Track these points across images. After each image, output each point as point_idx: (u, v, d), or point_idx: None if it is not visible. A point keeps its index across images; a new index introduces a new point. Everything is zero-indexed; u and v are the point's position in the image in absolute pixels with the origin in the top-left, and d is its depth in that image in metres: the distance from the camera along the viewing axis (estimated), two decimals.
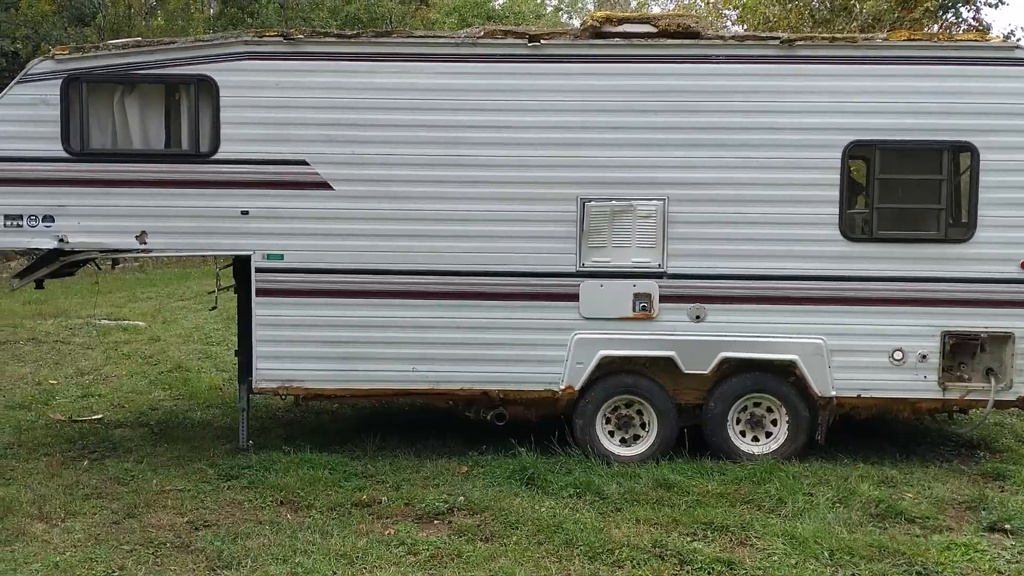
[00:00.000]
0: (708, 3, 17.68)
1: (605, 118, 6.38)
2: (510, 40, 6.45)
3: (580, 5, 55.19)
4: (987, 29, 16.43)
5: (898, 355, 6.36)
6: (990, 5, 16.31)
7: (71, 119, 6.29)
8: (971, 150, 6.33)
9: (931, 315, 6.36)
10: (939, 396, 6.39)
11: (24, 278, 6.67)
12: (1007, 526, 5.17)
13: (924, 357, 6.35)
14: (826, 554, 4.73)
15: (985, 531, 5.16)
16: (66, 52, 6.39)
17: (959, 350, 6.38)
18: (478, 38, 6.45)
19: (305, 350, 6.40)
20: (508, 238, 6.40)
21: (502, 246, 6.41)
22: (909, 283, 6.39)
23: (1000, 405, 6.46)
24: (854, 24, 14.62)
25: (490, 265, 6.41)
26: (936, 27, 16.02)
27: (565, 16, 47.50)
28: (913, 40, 6.49)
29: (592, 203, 6.36)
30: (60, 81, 6.27)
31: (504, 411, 6.52)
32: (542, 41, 6.42)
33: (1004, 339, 6.33)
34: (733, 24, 17.38)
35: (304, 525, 5.15)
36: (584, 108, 6.39)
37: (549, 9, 51.47)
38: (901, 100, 6.36)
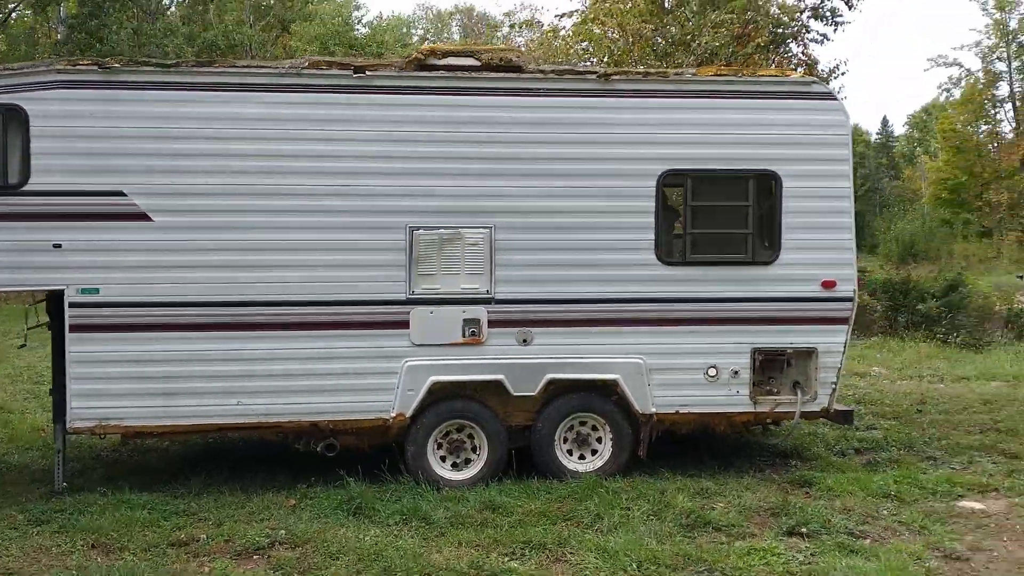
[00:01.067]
0: (562, 38, 18.25)
1: (432, 148, 6.49)
2: (335, 71, 6.50)
3: (446, 35, 55.83)
4: (815, 64, 17.60)
5: (712, 372, 6.70)
6: (816, 41, 17.52)
7: None
8: (774, 178, 6.76)
9: (742, 333, 6.73)
10: (751, 409, 6.76)
11: None
12: (804, 529, 5.51)
13: (736, 373, 6.72)
14: (634, 565, 4.92)
15: (784, 535, 5.48)
16: None
17: (768, 365, 6.79)
18: (302, 68, 6.47)
19: (123, 387, 6.18)
20: (336, 267, 6.40)
21: (330, 275, 6.40)
22: (721, 303, 6.74)
23: (807, 416, 6.90)
24: (691, 58, 15.39)
25: (318, 294, 6.39)
26: (772, 63, 17.00)
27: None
28: (720, 75, 6.91)
29: (421, 231, 6.45)
30: None
31: (335, 442, 6.49)
32: (367, 72, 6.50)
33: (808, 354, 6.77)
34: (587, 57, 17.95)
35: (114, 568, 4.96)
36: (411, 139, 6.48)
37: (415, 39, 51.92)
38: (710, 132, 6.74)
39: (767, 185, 6.81)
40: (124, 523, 5.58)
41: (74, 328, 6.11)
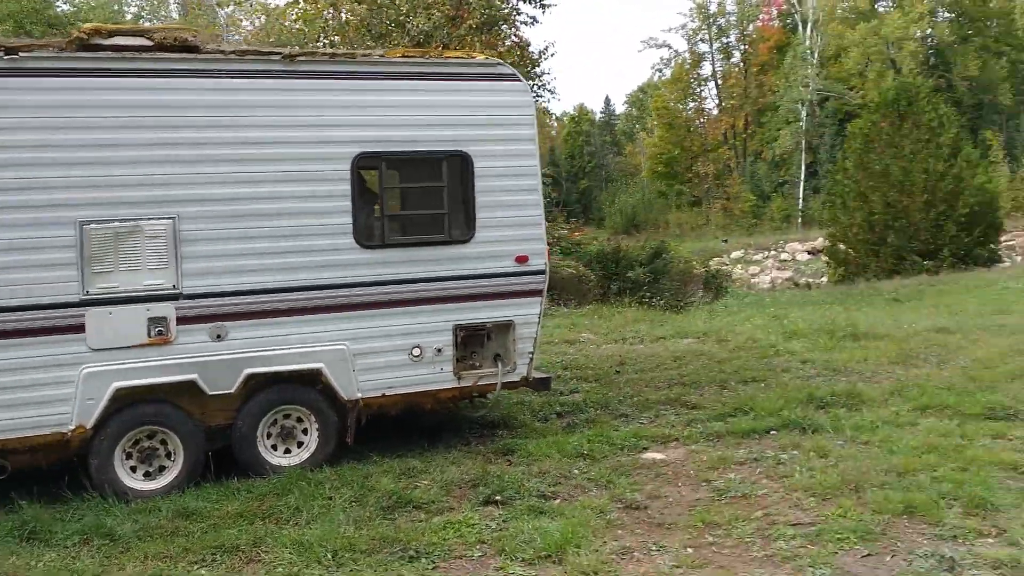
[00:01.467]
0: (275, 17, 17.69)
1: (99, 135, 5.97)
2: None
3: (164, 14, 52.26)
4: (526, 44, 18.32)
5: (416, 351, 6.77)
6: (526, 24, 18.25)
7: None
8: (466, 158, 6.89)
9: (443, 311, 6.85)
10: (456, 385, 6.92)
11: None
12: (498, 497, 5.72)
13: (439, 351, 6.83)
14: (329, 555, 4.87)
15: (481, 505, 5.66)
16: None
17: (470, 341, 6.97)
18: None
19: None
20: None
21: None
22: (422, 284, 6.79)
23: (508, 386, 7.18)
24: (406, 39, 15.46)
25: None
26: (503, 46, 17.46)
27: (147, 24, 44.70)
28: (408, 57, 6.94)
29: (92, 226, 5.92)
30: None
31: (5, 463, 5.84)
32: (21, 54, 5.85)
33: (507, 327, 7.02)
34: (303, 39, 17.48)
35: None
36: (75, 125, 5.92)
37: (128, 18, 48.09)
38: (401, 113, 6.74)
39: (460, 166, 6.92)
40: None
41: None
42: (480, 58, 7.42)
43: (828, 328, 11.74)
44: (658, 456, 6.65)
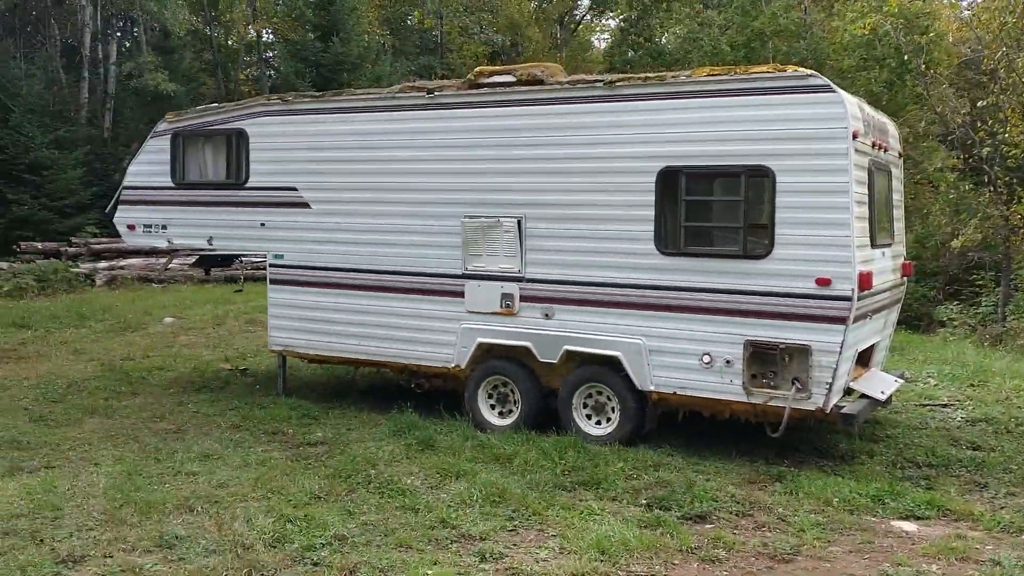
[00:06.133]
0: None
1: (480, 152, 7.34)
2: (413, 93, 7.65)
3: None
4: None
5: (707, 359, 6.59)
6: None
7: (175, 160, 8.74)
8: (768, 173, 6.33)
9: (735, 324, 6.48)
10: (745, 399, 6.49)
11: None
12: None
13: (729, 363, 6.51)
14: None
15: None
16: (173, 116, 8.88)
17: (767, 359, 6.36)
18: (396, 92, 7.78)
19: (296, 324, 8.21)
20: (414, 246, 7.65)
21: (411, 252, 7.66)
22: (714, 294, 6.54)
23: (797, 414, 6.35)
24: None
25: (404, 267, 7.71)
26: None
27: None
28: (713, 75, 6.63)
29: (468, 220, 7.38)
30: (170, 136, 8.76)
31: (423, 381, 7.78)
32: (435, 92, 7.53)
33: (803, 351, 6.13)
34: None
35: None
36: (465, 144, 7.38)
37: None
38: (703, 129, 6.55)
39: (763, 180, 6.37)
40: None
41: (272, 281, 8.41)
42: (791, 71, 6.40)
43: None
44: None
